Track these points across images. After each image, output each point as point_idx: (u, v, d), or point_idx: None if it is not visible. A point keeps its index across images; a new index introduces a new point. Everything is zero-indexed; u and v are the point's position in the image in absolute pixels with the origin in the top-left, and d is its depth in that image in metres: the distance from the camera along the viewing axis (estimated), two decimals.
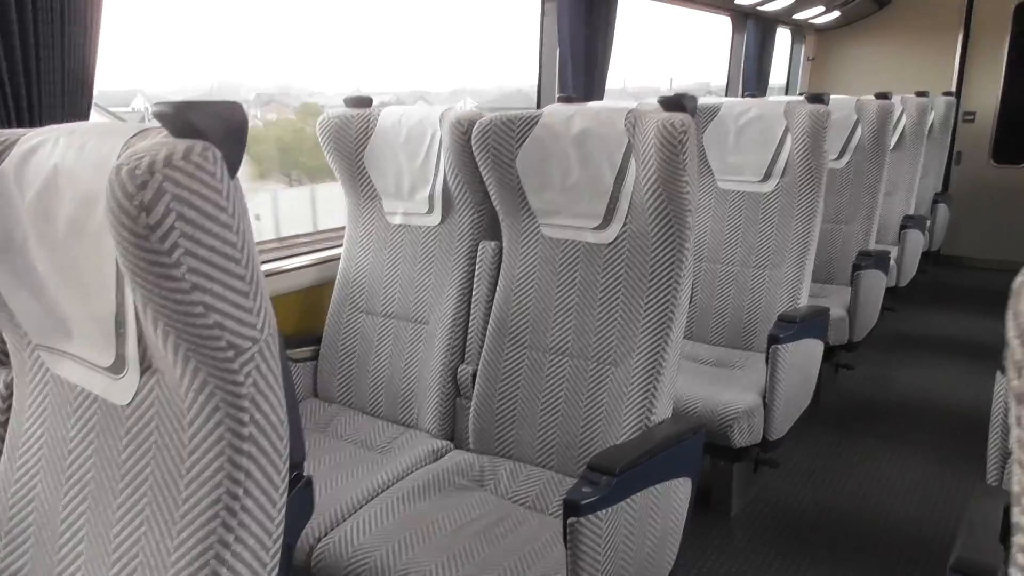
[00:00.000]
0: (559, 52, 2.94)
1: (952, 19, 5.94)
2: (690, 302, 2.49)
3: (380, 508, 1.44)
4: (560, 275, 1.64)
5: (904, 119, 4.13)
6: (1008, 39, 5.86)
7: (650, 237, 1.52)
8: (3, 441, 0.94)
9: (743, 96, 4.90)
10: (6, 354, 0.95)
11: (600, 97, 3.18)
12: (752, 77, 5.08)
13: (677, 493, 1.45)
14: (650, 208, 1.50)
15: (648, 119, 1.48)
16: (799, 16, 5.22)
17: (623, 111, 1.54)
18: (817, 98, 2.40)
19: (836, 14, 5.53)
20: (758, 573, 1.97)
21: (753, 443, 2.03)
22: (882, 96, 3.35)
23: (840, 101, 3.31)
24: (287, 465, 0.73)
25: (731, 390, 2.08)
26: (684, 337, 2.50)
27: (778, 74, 6.29)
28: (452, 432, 1.76)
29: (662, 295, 1.50)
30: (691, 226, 1.49)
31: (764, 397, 2.05)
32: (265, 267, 1.90)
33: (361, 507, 1.45)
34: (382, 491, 1.51)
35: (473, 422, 1.69)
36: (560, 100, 2.81)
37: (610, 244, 1.57)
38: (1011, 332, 0.30)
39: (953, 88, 5.90)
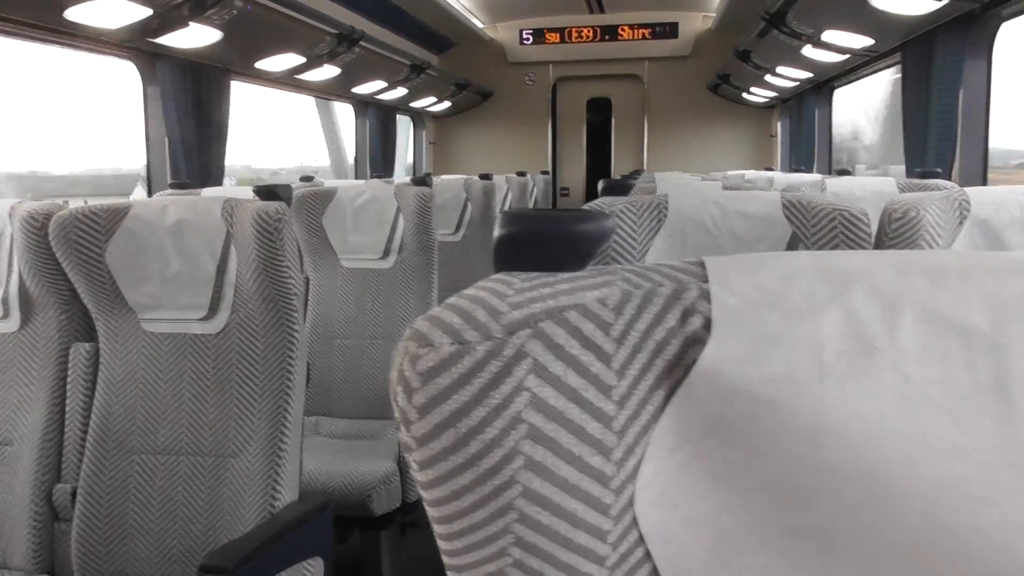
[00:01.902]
0: (168, 138, 2.84)
1: (542, 110, 7.00)
2: (322, 378, 2.54)
3: None
4: (168, 370, 1.56)
5: (509, 195, 4.72)
6: (585, 127, 7.08)
7: (259, 323, 1.52)
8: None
9: (372, 177, 5.18)
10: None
11: (219, 182, 3.13)
12: (379, 159, 5.40)
13: (308, 575, 1.44)
14: (256, 295, 1.52)
15: (244, 208, 1.51)
16: (416, 105, 5.73)
17: (220, 200, 1.55)
18: (421, 181, 2.65)
19: (447, 104, 6.18)
20: None
21: (394, 508, 2.11)
22: (485, 176, 3.80)
23: (451, 181, 3.68)
24: None
25: (367, 460, 2.14)
26: (320, 414, 2.53)
27: (408, 155, 6.79)
28: (51, 563, 1.54)
29: (277, 379, 1.51)
30: (299, 309, 1.53)
31: (399, 462, 2.14)
32: None
33: None
34: None
35: (76, 547, 1.51)
36: (172, 186, 2.71)
37: (219, 333, 1.55)
38: (392, 394, 0.38)
39: (549, 168, 6.92)
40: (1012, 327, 0.36)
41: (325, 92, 4.55)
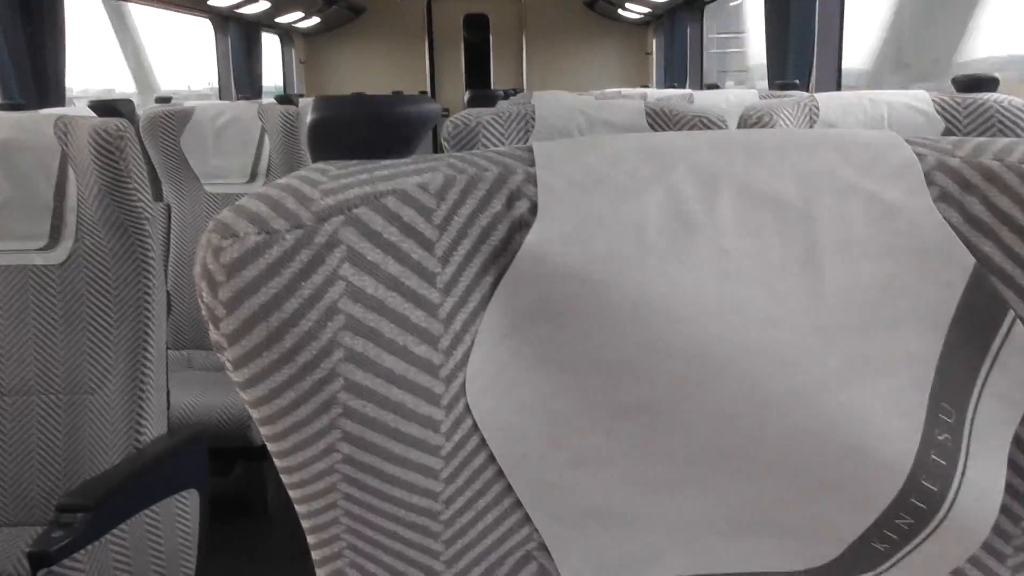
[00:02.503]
0: None
1: (418, 27, 6.76)
2: (192, 310, 2.42)
3: None
4: (10, 306, 1.43)
5: None
6: (463, 45, 6.90)
7: (108, 252, 1.42)
8: None
9: (238, 98, 4.88)
10: None
11: (61, 103, 2.85)
12: (244, 79, 5.08)
13: (183, 508, 1.40)
14: (102, 221, 1.41)
15: (79, 126, 1.38)
16: (282, 20, 5.38)
17: (51, 117, 1.41)
18: (287, 99, 2.51)
19: (317, 19, 5.85)
20: (295, 563, 2.03)
21: None
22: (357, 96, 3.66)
23: None
24: None
25: None
26: (193, 348, 2.42)
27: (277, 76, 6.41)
28: None
29: (133, 310, 1.42)
30: (153, 235, 1.44)
31: None
32: None
33: None
34: None
35: None
36: (3, 108, 2.44)
37: (63, 264, 1.43)
38: (197, 291, 0.35)
39: (427, 87, 6.74)
40: (820, 199, 0.38)
41: (175, 3, 4.19)
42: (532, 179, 0.38)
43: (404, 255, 0.36)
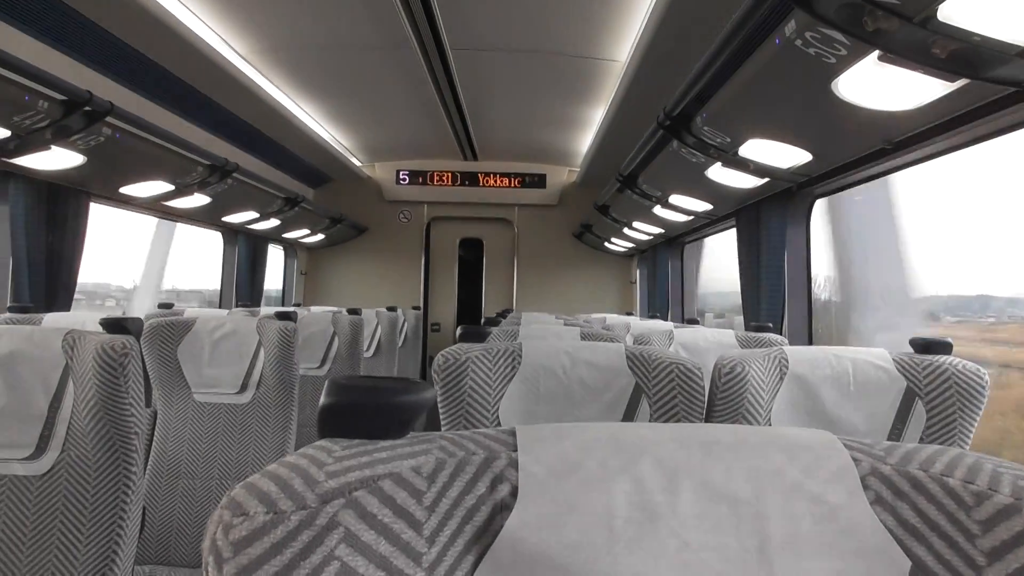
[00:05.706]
0: (12, 258, 2.69)
1: (416, 246, 7.16)
2: (161, 523, 2.35)
3: None
4: None
5: (379, 330, 4.72)
6: (457, 265, 7.28)
7: (92, 464, 1.43)
8: None
9: (238, 306, 5.05)
10: None
11: (67, 307, 2.96)
12: (245, 287, 5.29)
13: None
14: (92, 433, 1.43)
15: (87, 341, 1.44)
16: (288, 236, 5.72)
17: (61, 332, 1.48)
18: (286, 315, 2.62)
19: (321, 236, 6.21)
20: None
21: None
22: (353, 311, 3.80)
23: (318, 315, 3.66)
24: None
25: None
26: (156, 563, 2.32)
27: (277, 282, 6.68)
28: None
29: (106, 527, 1.40)
30: (139, 449, 1.45)
31: None
32: None
33: None
34: None
35: None
36: (11, 310, 2.54)
37: (45, 475, 1.43)
38: (203, 564, 0.39)
39: (420, 303, 7.00)
40: (770, 497, 0.42)
41: (192, 219, 4.47)
42: (514, 463, 0.43)
43: (395, 536, 0.40)
